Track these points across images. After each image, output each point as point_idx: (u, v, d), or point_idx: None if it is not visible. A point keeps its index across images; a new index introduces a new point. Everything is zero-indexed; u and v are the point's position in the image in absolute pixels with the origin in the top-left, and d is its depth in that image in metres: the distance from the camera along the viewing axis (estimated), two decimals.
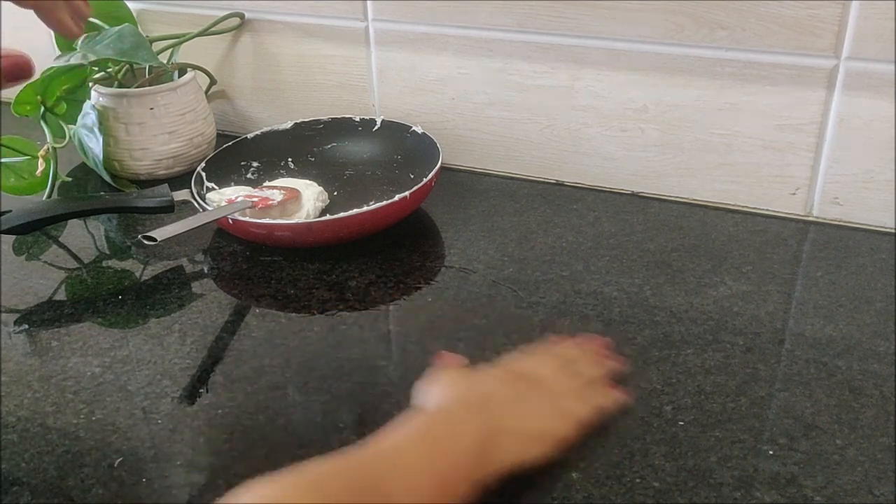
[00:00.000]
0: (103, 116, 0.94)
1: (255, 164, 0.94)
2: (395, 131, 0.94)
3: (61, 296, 0.77)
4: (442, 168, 0.86)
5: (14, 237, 0.86)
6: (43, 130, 0.95)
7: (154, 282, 0.78)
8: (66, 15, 0.63)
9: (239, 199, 0.82)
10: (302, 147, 0.96)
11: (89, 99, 0.95)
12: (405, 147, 0.93)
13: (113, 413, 0.61)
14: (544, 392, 0.57)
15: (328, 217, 0.79)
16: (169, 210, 0.80)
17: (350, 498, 0.45)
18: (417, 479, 0.47)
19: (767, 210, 0.86)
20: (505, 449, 0.52)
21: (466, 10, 0.88)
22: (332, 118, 0.97)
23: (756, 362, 0.64)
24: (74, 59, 0.88)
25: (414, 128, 0.92)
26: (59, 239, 0.86)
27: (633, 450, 0.56)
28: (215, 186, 0.89)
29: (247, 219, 0.78)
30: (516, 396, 0.56)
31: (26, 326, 0.72)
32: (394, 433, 0.50)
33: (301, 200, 0.85)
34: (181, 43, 0.99)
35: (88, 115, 0.93)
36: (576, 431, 0.55)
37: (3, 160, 0.93)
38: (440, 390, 0.57)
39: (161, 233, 0.72)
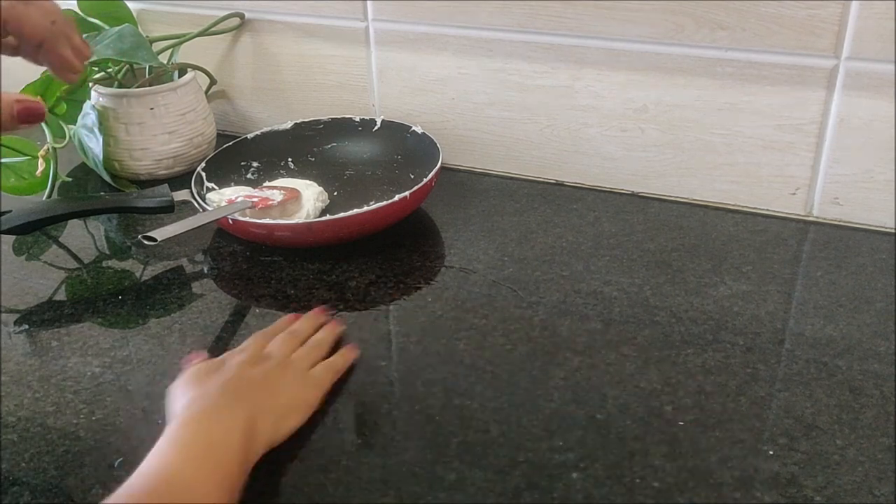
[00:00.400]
0: (103, 116, 0.94)
1: (255, 164, 0.94)
2: (395, 131, 0.94)
3: (61, 296, 0.77)
4: (442, 168, 0.86)
5: (14, 237, 0.86)
6: (43, 130, 0.95)
7: (154, 282, 0.78)
8: (68, 51, 0.64)
9: (239, 200, 0.82)
10: (302, 147, 0.96)
11: (89, 99, 0.95)
12: (405, 147, 0.93)
13: (113, 413, 0.61)
14: (288, 367, 0.61)
15: (328, 217, 0.79)
16: (169, 210, 0.80)
17: None
18: (204, 492, 0.49)
19: (767, 210, 0.86)
20: (267, 427, 0.55)
21: (466, 10, 0.88)
22: (332, 118, 0.97)
23: (756, 362, 0.64)
24: None
25: (414, 128, 0.92)
26: (59, 239, 0.86)
27: (633, 450, 0.56)
28: (215, 186, 0.89)
29: (247, 219, 0.78)
30: (264, 376, 0.59)
31: (26, 326, 0.72)
32: (160, 454, 0.51)
33: (301, 200, 0.85)
34: (181, 43, 0.99)
35: (88, 116, 0.93)
36: (322, 396, 0.61)
37: (3, 160, 0.93)
38: (194, 389, 0.58)
39: (161, 233, 0.72)
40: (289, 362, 0.62)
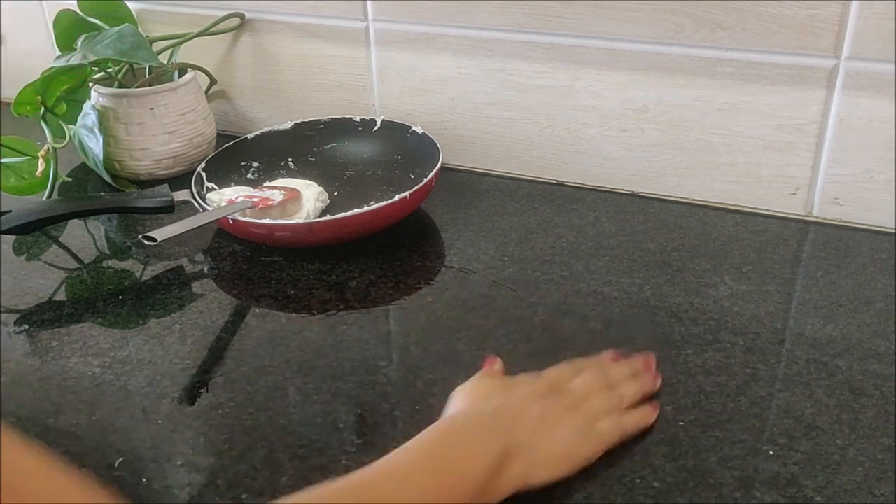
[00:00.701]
0: (103, 116, 0.94)
1: (255, 164, 0.94)
2: (395, 131, 0.94)
3: (61, 296, 0.77)
4: (442, 168, 0.86)
5: (14, 237, 0.86)
6: (43, 130, 0.95)
7: (154, 282, 0.78)
8: None
9: (239, 200, 0.82)
10: (302, 147, 0.96)
11: (89, 99, 0.95)
12: (405, 147, 0.93)
13: (113, 413, 0.61)
14: (578, 412, 0.56)
15: (328, 217, 0.79)
16: (169, 210, 0.80)
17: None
18: (414, 487, 0.47)
19: (767, 210, 0.86)
20: (520, 470, 0.51)
21: (466, 10, 0.88)
22: (332, 118, 0.97)
23: (756, 362, 0.64)
24: (74, 59, 0.88)
25: (414, 128, 0.92)
26: (59, 239, 0.86)
27: (634, 450, 0.56)
28: (215, 186, 0.89)
29: (247, 219, 0.78)
30: (545, 414, 0.54)
31: (26, 327, 0.72)
32: (404, 452, 0.50)
33: (301, 200, 0.85)
34: (181, 43, 0.99)
35: (88, 116, 0.93)
36: (599, 454, 0.55)
37: (3, 160, 0.93)
38: (469, 400, 0.56)
39: (161, 233, 0.72)
40: (579, 406, 0.56)
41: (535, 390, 0.56)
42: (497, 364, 0.61)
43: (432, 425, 0.52)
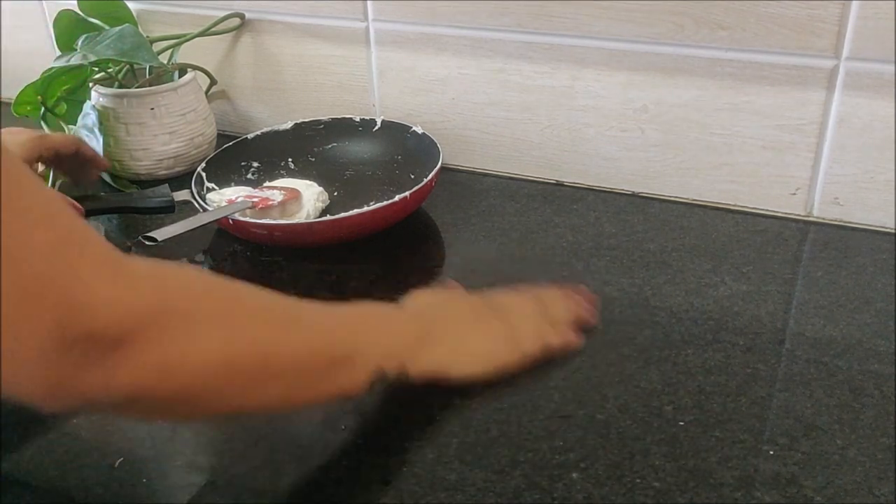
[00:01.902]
0: (104, 117, 0.94)
1: (255, 164, 0.94)
2: (395, 131, 0.94)
3: None
4: (442, 168, 0.86)
5: None
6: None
7: None
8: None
9: (239, 200, 0.82)
10: (302, 147, 0.96)
11: (89, 99, 0.95)
12: (405, 147, 0.93)
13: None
14: (504, 320, 0.61)
15: (329, 217, 0.79)
16: (169, 210, 0.80)
17: (264, 314, 0.49)
18: (331, 322, 0.53)
19: (768, 210, 0.86)
20: (438, 355, 0.57)
21: (466, 10, 0.88)
22: (332, 118, 0.97)
23: (756, 362, 0.64)
24: (75, 59, 0.88)
25: (414, 128, 0.92)
26: None
27: (634, 450, 0.56)
28: (215, 187, 0.89)
29: (247, 219, 0.78)
30: (473, 315, 0.60)
31: None
32: (333, 306, 0.55)
33: (301, 201, 0.85)
34: (181, 43, 0.99)
35: (89, 116, 0.93)
36: (516, 360, 0.60)
37: None
38: (408, 298, 0.62)
39: (162, 233, 0.72)
40: (507, 315, 0.61)
41: (471, 301, 0.63)
42: (449, 282, 0.67)
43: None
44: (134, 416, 0.44)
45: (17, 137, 0.78)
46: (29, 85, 0.92)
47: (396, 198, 0.78)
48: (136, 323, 0.39)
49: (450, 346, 0.58)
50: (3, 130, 0.76)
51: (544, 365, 0.61)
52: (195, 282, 0.47)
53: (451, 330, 0.59)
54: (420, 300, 0.62)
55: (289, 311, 0.51)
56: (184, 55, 1.00)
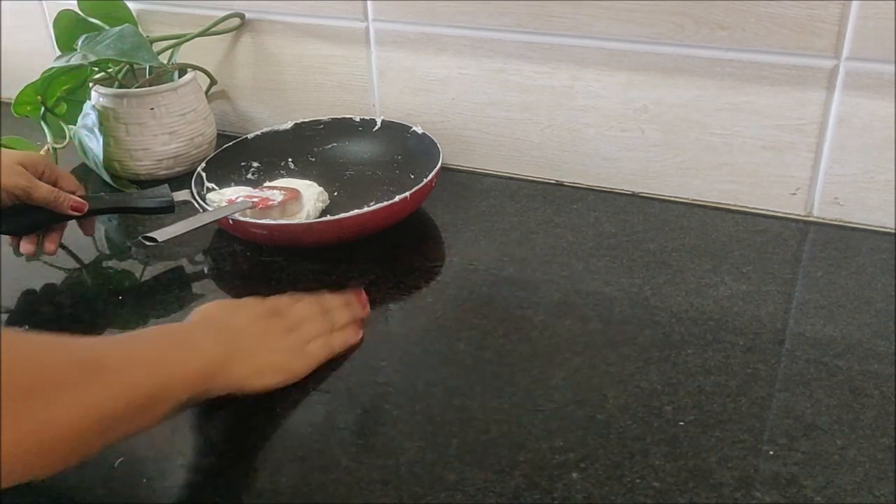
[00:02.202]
0: (103, 117, 0.94)
1: (255, 164, 0.94)
2: (395, 131, 0.94)
3: (61, 296, 0.77)
4: (442, 168, 0.86)
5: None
6: (43, 131, 0.95)
7: (154, 282, 0.78)
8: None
9: (239, 200, 0.82)
10: (302, 147, 0.96)
11: (89, 99, 0.95)
12: (405, 147, 0.93)
13: None
14: (293, 333, 0.64)
15: (328, 217, 0.79)
16: (169, 210, 0.80)
17: (70, 371, 0.47)
18: (136, 368, 0.51)
19: (768, 210, 0.86)
20: (236, 373, 0.58)
21: (466, 10, 0.88)
22: (332, 118, 0.97)
23: (756, 362, 0.64)
24: (75, 59, 0.88)
25: (414, 128, 0.92)
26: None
27: (634, 450, 0.56)
28: (215, 187, 0.89)
29: (247, 219, 0.78)
30: (264, 332, 0.62)
31: (26, 327, 0.72)
32: (129, 337, 0.57)
33: (301, 201, 0.85)
34: (181, 43, 0.99)
35: (89, 116, 0.93)
36: (310, 369, 0.63)
37: None
38: (205, 313, 0.63)
39: (162, 234, 0.72)
40: (295, 328, 0.64)
41: (258, 312, 0.64)
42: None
43: (159, 326, 0.59)
44: None
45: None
46: (29, 85, 0.92)
47: (396, 198, 0.78)
48: None
49: (246, 363, 0.59)
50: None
51: (329, 362, 0.64)
52: None
53: (246, 345, 0.60)
54: (211, 313, 0.63)
55: (90, 362, 0.49)
56: (184, 55, 1.00)
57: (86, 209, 0.77)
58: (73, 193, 0.77)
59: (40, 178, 0.75)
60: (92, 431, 0.47)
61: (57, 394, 0.45)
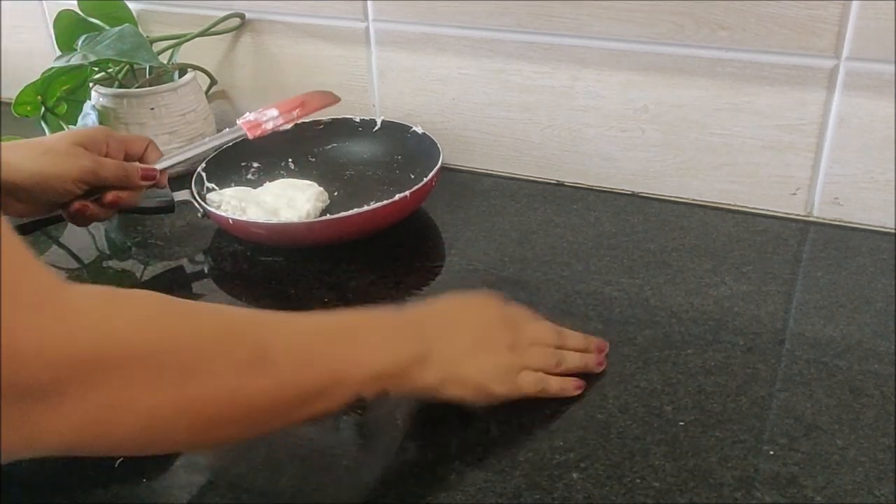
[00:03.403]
0: (104, 117, 0.94)
1: (255, 164, 0.94)
2: (395, 131, 0.94)
3: None
4: (442, 168, 0.86)
5: None
6: (43, 130, 0.95)
7: (154, 282, 0.78)
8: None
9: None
10: (302, 147, 0.96)
11: (89, 99, 0.95)
12: (405, 147, 0.93)
13: None
14: (512, 354, 0.58)
15: (328, 217, 0.79)
16: (169, 210, 0.80)
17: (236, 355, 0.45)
18: (301, 365, 0.48)
19: (768, 210, 0.86)
20: (431, 378, 0.53)
21: (466, 10, 0.88)
22: (332, 118, 0.97)
23: (756, 362, 0.64)
24: (75, 59, 0.88)
25: (414, 128, 0.92)
26: (60, 239, 0.86)
27: (634, 450, 0.56)
28: (215, 187, 0.89)
29: (247, 219, 0.78)
30: (484, 340, 0.57)
31: None
32: (309, 318, 0.52)
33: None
34: (181, 43, 0.99)
35: (89, 116, 0.93)
36: (511, 398, 0.57)
37: None
38: (429, 303, 0.59)
39: (161, 163, 0.74)
40: (517, 349, 0.58)
41: (491, 317, 0.59)
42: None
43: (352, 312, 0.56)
44: (89, 454, 0.42)
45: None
46: (29, 85, 0.92)
47: (396, 197, 0.78)
48: (70, 372, 0.36)
49: (442, 370, 0.54)
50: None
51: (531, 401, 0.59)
52: (147, 320, 0.42)
53: (450, 351, 0.55)
54: (431, 307, 0.59)
55: (255, 349, 0.46)
56: (184, 55, 1.00)
57: (157, 175, 0.73)
58: (145, 151, 0.73)
59: (107, 153, 0.70)
60: (249, 415, 0.45)
61: (205, 370, 0.43)
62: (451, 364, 0.55)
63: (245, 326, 0.48)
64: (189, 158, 0.79)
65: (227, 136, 0.84)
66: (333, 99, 0.88)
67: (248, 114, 0.84)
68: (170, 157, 0.77)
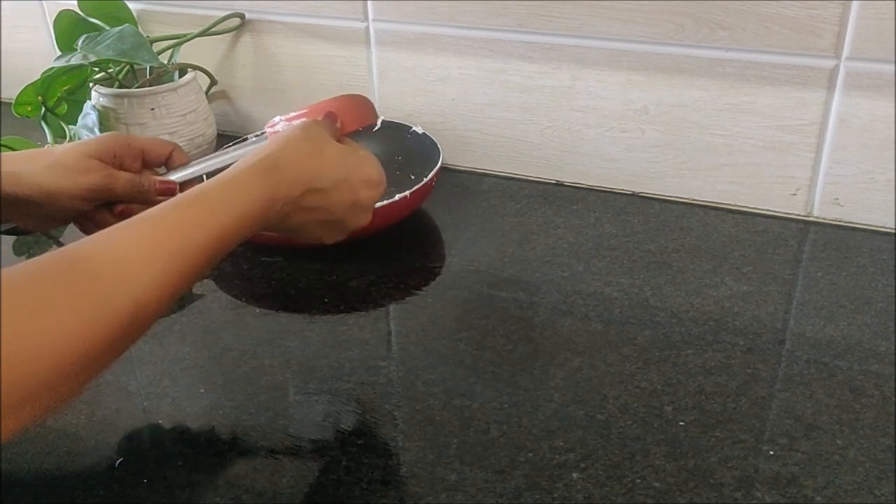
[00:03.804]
0: (104, 117, 0.94)
1: None
2: (395, 132, 0.94)
3: None
4: (442, 168, 0.86)
5: (14, 237, 0.86)
6: (43, 131, 0.95)
7: None
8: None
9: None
10: None
11: (90, 99, 0.95)
12: (406, 147, 0.93)
13: (113, 413, 0.61)
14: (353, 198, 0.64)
15: None
16: None
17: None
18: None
19: (768, 210, 0.86)
20: (295, 216, 0.58)
21: (466, 10, 0.88)
22: None
23: (756, 363, 0.64)
24: (75, 59, 0.88)
25: (414, 128, 0.92)
26: (60, 239, 0.86)
27: (634, 450, 0.56)
28: None
29: None
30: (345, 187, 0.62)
31: None
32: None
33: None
34: (181, 43, 0.99)
35: (89, 116, 0.93)
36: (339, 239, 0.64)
37: None
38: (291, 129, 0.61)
39: (175, 174, 0.70)
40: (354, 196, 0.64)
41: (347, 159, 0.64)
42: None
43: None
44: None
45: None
46: (29, 85, 0.92)
47: (396, 197, 0.78)
48: None
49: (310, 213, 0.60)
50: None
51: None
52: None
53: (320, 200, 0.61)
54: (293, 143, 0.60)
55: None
56: (184, 55, 1.00)
57: (176, 189, 0.68)
58: (170, 157, 0.70)
59: (121, 163, 0.67)
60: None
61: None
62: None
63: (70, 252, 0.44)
64: (211, 168, 0.76)
65: (251, 145, 0.82)
66: (373, 117, 0.76)
67: (276, 118, 0.82)
68: (191, 167, 0.73)
